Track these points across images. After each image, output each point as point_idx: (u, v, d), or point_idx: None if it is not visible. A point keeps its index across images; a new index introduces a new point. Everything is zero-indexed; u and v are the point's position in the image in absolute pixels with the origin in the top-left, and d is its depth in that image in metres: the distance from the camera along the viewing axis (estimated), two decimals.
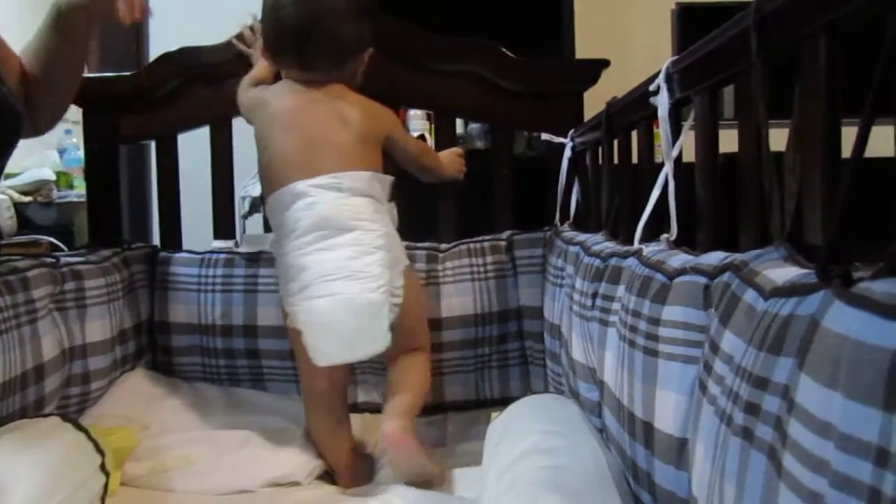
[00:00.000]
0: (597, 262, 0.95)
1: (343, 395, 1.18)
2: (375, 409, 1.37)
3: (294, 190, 1.11)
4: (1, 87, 1.16)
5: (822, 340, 0.37)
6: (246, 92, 1.27)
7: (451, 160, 1.40)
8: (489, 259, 1.41)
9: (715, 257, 0.64)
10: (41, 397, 1.08)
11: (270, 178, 1.17)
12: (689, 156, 0.80)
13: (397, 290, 1.10)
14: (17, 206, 2.58)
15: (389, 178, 1.19)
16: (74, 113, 1.35)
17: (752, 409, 0.45)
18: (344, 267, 1.05)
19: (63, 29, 1.26)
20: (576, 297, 1.01)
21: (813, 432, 0.36)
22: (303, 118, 1.16)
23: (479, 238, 1.44)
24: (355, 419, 1.25)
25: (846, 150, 0.48)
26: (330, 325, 1.05)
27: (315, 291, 1.05)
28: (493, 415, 1.09)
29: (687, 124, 0.81)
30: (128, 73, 1.42)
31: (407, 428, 1.09)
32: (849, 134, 0.50)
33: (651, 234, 0.86)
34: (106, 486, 0.96)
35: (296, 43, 1.16)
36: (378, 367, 1.38)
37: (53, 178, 2.72)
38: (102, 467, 0.95)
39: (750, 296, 0.51)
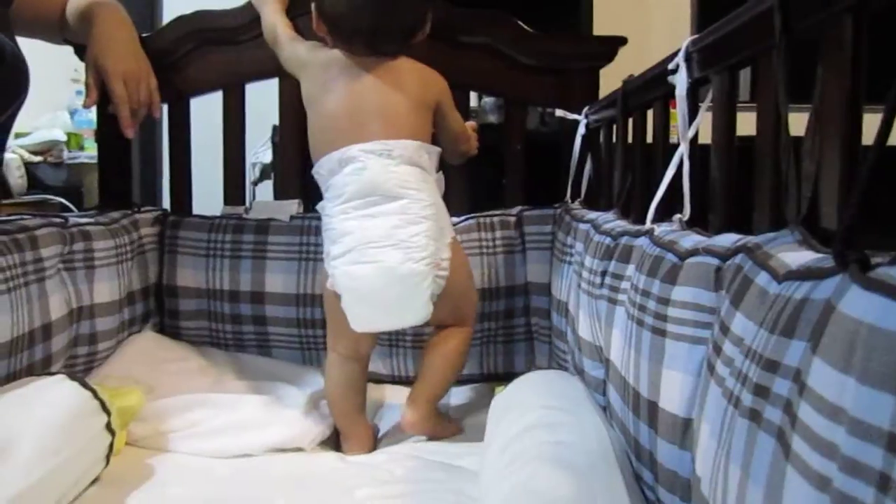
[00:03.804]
0: (607, 240, 0.95)
1: (364, 365, 1.19)
2: (379, 379, 1.39)
3: (344, 154, 1.10)
4: (7, 40, 1.16)
5: (838, 325, 0.37)
6: (293, 46, 1.25)
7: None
8: (498, 234, 1.41)
9: (728, 239, 0.64)
10: (48, 356, 1.09)
11: (320, 141, 1.16)
12: (703, 137, 0.80)
13: (443, 263, 1.10)
14: (28, 166, 2.59)
15: (436, 149, 1.18)
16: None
17: (761, 391, 0.45)
18: (389, 235, 1.05)
19: (70, 28, 1.30)
20: (584, 274, 1.01)
21: (824, 416, 0.36)
22: (355, 84, 1.15)
23: (489, 213, 1.43)
24: None
25: (866, 139, 0.47)
26: (370, 292, 1.06)
27: (358, 257, 1.05)
28: (498, 389, 1.10)
29: (704, 105, 0.80)
30: (142, 36, 1.41)
31: (426, 416, 1.15)
32: (869, 121, 0.50)
33: (662, 215, 0.86)
34: (111, 445, 0.97)
35: (369, 34, 1.14)
36: (384, 340, 1.38)
37: (64, 138, 2.72)
38: (108, 427, 0.96)
39: (763, 278, 0.51)
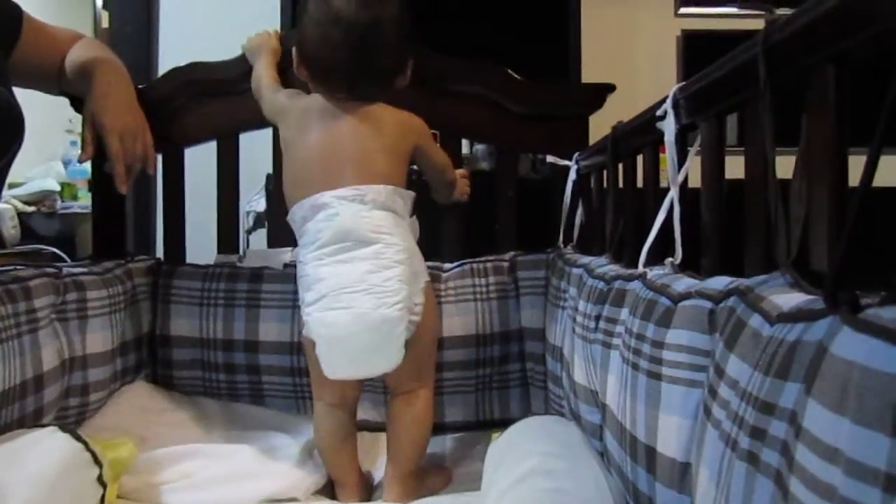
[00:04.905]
0: (600, 284, 0.95)
1: (352, 411, 1.18)
2: (374, 428, 1.37)
3: (317, 201, 1.10)
4: (3, 89, 1.17)
5: (830, 366, 0.37)
6: (274, 94, 1.27)
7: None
8: (492, 280, 1.41)
9: (720, 282, 0.64)
10: (40, 407, 1.08)
11: (293, 188, 1.17)
12: (693, 181, 0.81)
13: (416, 308, 1.10)
14: (21, 216, 2.59)
15: (411, 194, 1.18)
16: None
17: (757, 433, 0.45)
18: (362, 280, 1.04)
19: (68, 81, 1.32)
20: (578, 319, 1.01)
21: (820, 457, 0.36)
22: (331, 128, 1.15)
23: (483, 259, 1.44)
24: None
25: (852, 180, 0.48)
26: (343, 338, 1.05)
27: (331, 303, 1.05)
28: (494, 435, 1.09)
29: (693, 149, 0.82)
30: (138, 87, 1.43)
31: (409, 491, 1.12)
32: (854, 163, 0.51)
33: (654, 258, 0.87)
34: (103, 497, 0.95)
35: (347, 75, 1.14)
36: (377, 386, 1.38)
37: (57, 188, 2.73)
38: (100, 479, 0.95)
39: (755, 321, 0.51)
